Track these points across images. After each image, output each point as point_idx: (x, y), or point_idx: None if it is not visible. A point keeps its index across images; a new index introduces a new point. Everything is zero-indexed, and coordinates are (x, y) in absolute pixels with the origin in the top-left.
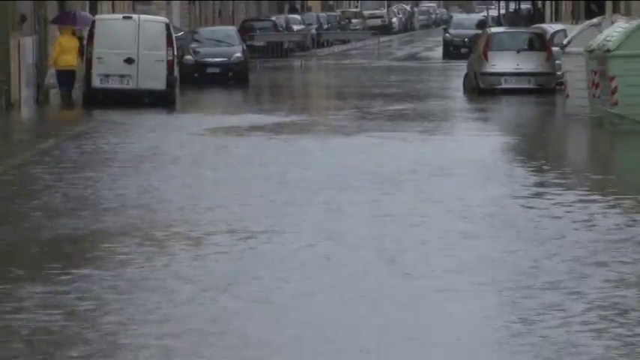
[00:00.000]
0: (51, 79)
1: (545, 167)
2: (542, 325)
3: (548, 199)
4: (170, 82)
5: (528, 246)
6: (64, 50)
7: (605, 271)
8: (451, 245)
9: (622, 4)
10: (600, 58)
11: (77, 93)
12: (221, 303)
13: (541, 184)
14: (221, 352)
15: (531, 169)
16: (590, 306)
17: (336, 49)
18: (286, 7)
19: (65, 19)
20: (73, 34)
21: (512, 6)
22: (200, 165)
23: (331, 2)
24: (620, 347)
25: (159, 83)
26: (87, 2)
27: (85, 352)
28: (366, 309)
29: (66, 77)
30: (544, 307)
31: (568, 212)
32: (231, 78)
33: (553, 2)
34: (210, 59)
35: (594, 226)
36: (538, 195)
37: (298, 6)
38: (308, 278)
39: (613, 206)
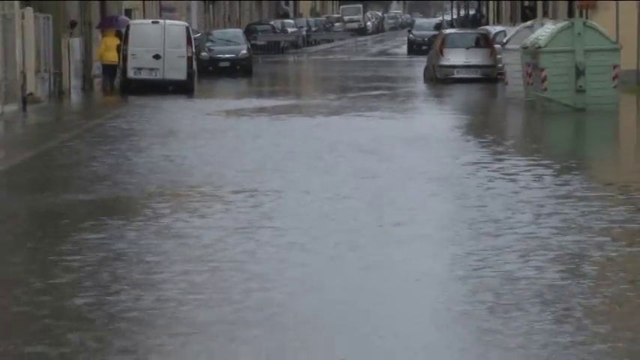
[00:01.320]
0: (96, 70)
1: (489, 139)
2: (484, 253)
3: (487, 164)
4: (189, 74)
5: (473, 196)
6: (108, 48)
7: (530, 213)
8: (414, 195)
9: (550, 11)
10: (533, 53)
11: (115, 82)
12: (236, 246)
13: (486, 152)
14: (234, 286)
15: (478, 140)
16: (518, 237)
17: (322, 47)
18: (280, 12)
19: (108, 23)
20: (115, 35)
21: (462, 12)
22: (214, 139)
23: (318, 10)
24: (539, 268)
25: (181, 75)
26: (123, 7)
27: (130, 282)
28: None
29: (109, 70)
30: (485, 241)
31: (510, 174)
32: (238, 70)
33: (495, 9)
34: (221, 55)
35: (536, 197)
36: (483, 160)
37: (288, 8)
38: (308, 224)
39: (545, 167)
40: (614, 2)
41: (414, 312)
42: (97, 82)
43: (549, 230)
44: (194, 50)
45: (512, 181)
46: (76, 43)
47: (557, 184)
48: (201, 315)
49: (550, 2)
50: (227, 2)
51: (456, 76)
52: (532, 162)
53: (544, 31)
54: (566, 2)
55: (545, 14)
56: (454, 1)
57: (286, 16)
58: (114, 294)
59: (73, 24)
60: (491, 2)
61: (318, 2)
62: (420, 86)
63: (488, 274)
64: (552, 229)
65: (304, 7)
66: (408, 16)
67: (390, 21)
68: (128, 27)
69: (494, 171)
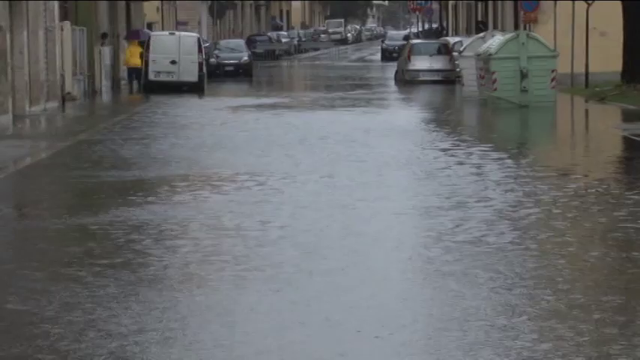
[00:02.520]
0: (123, 73)
1: (450, 130)
2: (445, 218)
3: (446, 149)
4: (200, 77)
5: (440, 175)
6: (132, 55)
7: (485, 189)
8: (383, 176)
9: (499, 24)
10: (485, 59)
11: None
12: (244, 213)
13: (447, 140)
14: (239, 248)
15: (439, 130)
16: (470, 205)
17: (310, 54)
18: (275, 25)
19: (134, 34)
20: (137, 44)
21: (426, 25)
22: (221, 130)
23: (307, 23)
24: (484, 229)
25: (193, 77)
26: (145, 21)
27: (152, 245)
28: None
29: (135, 72)
30: (443, 210)
31: (467, 158)
32: (241, 73)
33: (453, 22)
34: (226, 61)
35: (485, 173)
36: (442, 146)
37: (282, 22)
38: (309, 196)
39: (496, 152)
40: (552, 18)
41: (391, 261)
42: (124, 84)
43: (504, 202)
44: (204, 57)
45: (469, 163)
46: (106, 50)
47: (506, 166)
48: (210, 269)
49: (499, 17)
50: (231, 17)
51: (421, 78)
52: (485, 148)
53: (494, 41)
54: (513, 17)
55: (495, 27)
56: (419, 16)
57: (280, 28)
58: (143, 254)
59: (104, 35)
60: (450, 17)
61: (307, 17)
62: (392, 87)
63: (454, 239)
64: (507, 202)
65: (295, 20)
66: (382, 29)
67: (367, 33)
68: (149, 38)
69: (453, 155)
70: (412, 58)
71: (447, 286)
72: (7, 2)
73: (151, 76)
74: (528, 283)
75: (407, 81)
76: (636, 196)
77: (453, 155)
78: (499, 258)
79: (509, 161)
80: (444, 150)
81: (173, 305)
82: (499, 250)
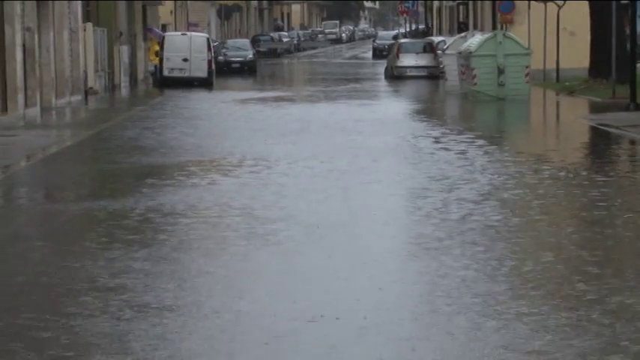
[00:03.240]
0: (150, 67)
1: (433, 119)
2: (435, 198)
3: (432, 137)
4: (210, 73)
5: (428, 160)
6: (150, 52)
7: (468, 171)
8: (377, 161)
9: (479, 25)
10: (466, 56)
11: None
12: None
13: (433, 128)
14: (246, 224)
15: (425, 120)
16: (451, 185)
17: (309, 52)
18: (277, 26)
19: (151, 32)
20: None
21: (413, 26)
22: (229, 120)
23: (305, 24)
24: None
25: (203, 73)
26: (160, 22)
27: (170, 221)
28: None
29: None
30: (431, 191)
31: (451, 144)
32: (246, 70)
33: (437, 23)
34: (233, 59)
35: (468, 158)
36: (428, 134)
37: (283, 23)
38: (309, 175)
39: (475, 138)
40: (527, 19)
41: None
42: (141, 79)
43: (489, 183)
44: (213, 55)
45: (454, 150)
46: (125, 49)
47: (487, 152)
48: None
49: (479, 18)
50: (238, 19)
51: (409, 74)
52: (467, 135)
53: (474, 40)
54: (491, 18)
55: (475, 27)
56: (407, 18)
57: (281, 29)
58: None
59: (120, 34)
60: (434, 18)
61: (305, 18)
62: (382, 82)
63: (441, 216)
64: (491, 184)
65: (295, 22)
66: (373, 29)
67: (360, 33)
68: (164, 38)
69: (439, 142)
70: (400, 55)
71: (434, 256)
72: (35, 5)
73: (165, 73)
74: (510, 255)
75: (395, 76)
76: (603, 178)
77: (438, 142)
78: (484, 233)
79: (489, 147)
80: (430, 138)
81: (186, 272)
82: (485, 226)
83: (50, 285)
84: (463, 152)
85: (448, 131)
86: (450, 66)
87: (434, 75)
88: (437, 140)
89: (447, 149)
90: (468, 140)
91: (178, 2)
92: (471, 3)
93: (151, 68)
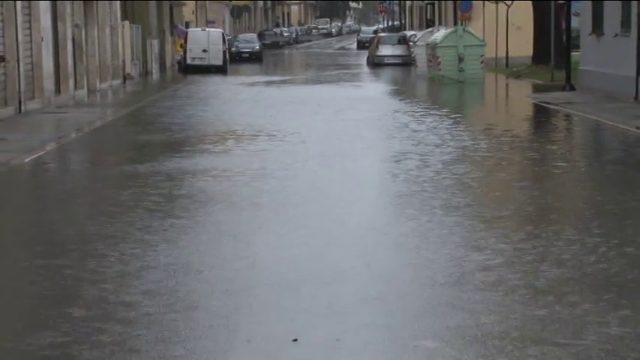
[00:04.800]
0: (178, 57)
1: (408, 98)
2: (411, 161)
3: (407, 112)
4: (224, 61)
5: (406, 130)
6: (177, 45)
7: (434, 142)
8: (355, 133)
9: (443, 21)
10: (433, 47)
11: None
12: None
13: (407, 105)
14: (257, 185)
15: (400, 99)
16: (426, 163)
17: (305, 44)
18: (274, 23)
19: (176, 29)
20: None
21: (390, 22)
22: (239, 100)
23: (302, 21)
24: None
25: (219, 62)
26: (184, 20)
27: (184, 195)
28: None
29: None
30: (398, 154)
31: (422, 117)
32: (254, 59)
33: (409, 20)
34: (244, 50)
35: (436, 128)
36: (401, 110)
37: (280, 22)
38: (312, 143)
39: (441, 113)
40: (482, 16)
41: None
42: (167, 67)
43: (457, 147)
44: (227, 46)
45: (425, 121)
46: (155, 42)
47: (449, 125)
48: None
49: (443, 16)
50: (247, 17)
51: (386, 62)
52: (434, 110)
53: (439, 34)
54: (453, 16)
55: (440, 23)
56: (385, 16)
57: (279, 25)
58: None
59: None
60: (407, 16)
61: (302, 16)
62: (365, 68)
63: (416, 174)
64: (459, 147)
65: (294, 19)
66: (357, 25)
67: (347, 28)
68: (187, 33)
69: (411, 115)
70: (380, 46)
71: (405, 208)
72: (82, 5)
73: (188, 61)
74: (469, 210)
75: (375, 64)
76: (544, 144)
77: (412, 115)
78: (451, 188)
79: (453, 119)
80: (406, 112)
81: (202, 225)
82: (456, 183)
83: (98, 234)
84: (433, 123)
85: (420, 107)
86: (420, 55)
87: (407, 62)
88: (411, 114)
89: (420, 121)
90: (436, 114)
91: (199, 3)
92: (436, 3)
93: (178, 57)
